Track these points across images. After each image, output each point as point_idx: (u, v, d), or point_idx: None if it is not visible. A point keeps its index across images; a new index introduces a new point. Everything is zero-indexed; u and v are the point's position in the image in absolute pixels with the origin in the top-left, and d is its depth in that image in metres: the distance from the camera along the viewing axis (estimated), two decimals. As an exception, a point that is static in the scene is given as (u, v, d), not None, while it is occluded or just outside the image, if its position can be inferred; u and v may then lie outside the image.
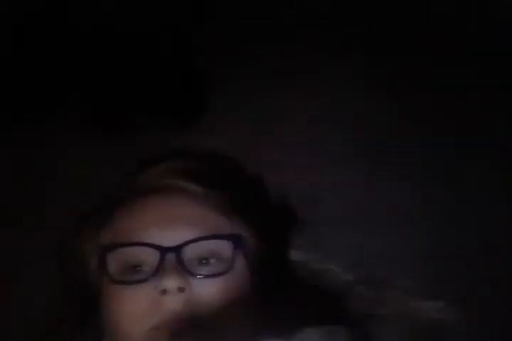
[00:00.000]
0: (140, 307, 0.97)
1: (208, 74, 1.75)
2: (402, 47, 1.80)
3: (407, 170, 1.73)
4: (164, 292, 0.97)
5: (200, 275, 1.00)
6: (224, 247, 1.03)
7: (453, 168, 1.73)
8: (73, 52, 1.74)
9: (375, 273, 1.29)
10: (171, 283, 0.97)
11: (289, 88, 1.80)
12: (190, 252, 1.01)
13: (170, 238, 1.01)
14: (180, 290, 0.97)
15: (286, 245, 1.15)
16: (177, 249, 1.00)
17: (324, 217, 1.55)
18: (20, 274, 1.64)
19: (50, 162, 1.74)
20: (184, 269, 0.99)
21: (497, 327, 1.51)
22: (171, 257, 0.99)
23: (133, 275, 1.01)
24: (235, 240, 1.03)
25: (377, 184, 1.70)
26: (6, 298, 1.63)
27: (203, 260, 1.01)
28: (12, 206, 1.71)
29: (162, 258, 0.99)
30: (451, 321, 1.12)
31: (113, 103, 1.77)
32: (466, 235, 1.66)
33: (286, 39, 1.81)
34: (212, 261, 1.02)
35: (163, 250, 1.00)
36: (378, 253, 1.57)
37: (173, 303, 0.97)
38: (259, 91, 1.78)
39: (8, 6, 1.72)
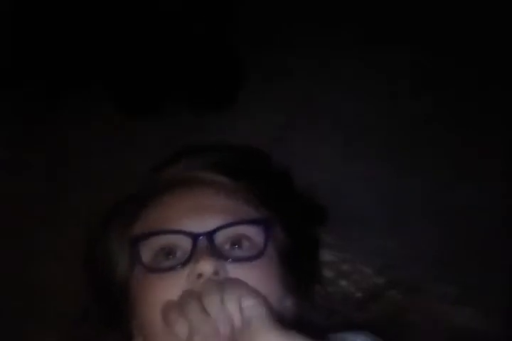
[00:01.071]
0: (175, 294, 0.96)
1: (241, 61, 1.74)
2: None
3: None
4: (200, 276, 0.97)
5: (233, 258, 1.00)
6: (255, 232, 1.03)
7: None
8: (104, 35, 1.72)
9: (407, 276, 1.28)
10: (206, 267, 0.96)
11: (325, 78, 1.80)
12: (222, 237, 1.01)
13: (202, 225, 1.01)
14: (215, 273, 0.97)
15: (314, 238, 1.16)
16: (209, 235, 1.00)
17: (356, 216, 1.55)
18: (39, 273, 1.63)
19: (75, 149, 1.72)
20: (217, 254, 0.98)
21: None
22: (203, 243, 0.99)
23: (167, 262, 1.01)
24: (266, 224, 1.04)
25: (410, 184, 1.69)
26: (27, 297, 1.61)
27: (235, 245, 1.02)
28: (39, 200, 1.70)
29: (195, 244, 0.99)
30: (486, 328, 1.12)
31: (145, 85, 1.75)
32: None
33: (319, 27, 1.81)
34: (244, 245, 1.02)
35: (195, 236, 1.00)
36: (411, 255, 1.55)
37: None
38: (291, 82, 1.78)
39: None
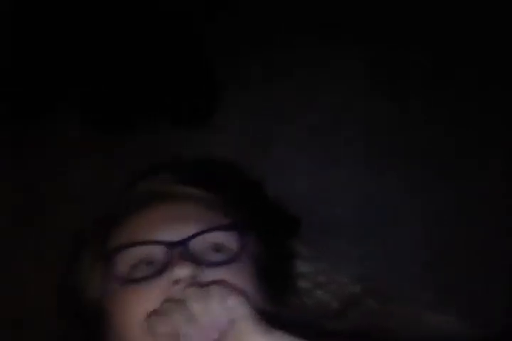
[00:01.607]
0: (156, 304, 0.96)
1: (217, 74, 1.74)
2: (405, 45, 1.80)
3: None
4: (177, 282, 0.97)
5: (209, 263, 1.01)
6: (230, 238, 1.05)
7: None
8: (74, 49, 1.72)
9: (383, 284, 1.29)
10: (183, 271, 0.98)
11: (293, 87, 1.80)
12: (196, 245, 1.03)
13: (176, 234, 1.03)
14: (193, 278, 0.97)
15: (288, 249, 1.17)
16: (183, 242, 1.01)
17: (330, 225, 1.55)
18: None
19: (49, 164, 1.72)
20: (193, 259, 0.99)
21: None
22: (178, 251, 1.00)
23: (143, 273, 1.01)
24: (240, 230, 1.05)
25: (386, 190, 1.70)
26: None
27: (210, 251, 1.03)
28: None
29: (170, 253, 1.00)
30: (461, 334, 1.12)
31: (116, 103, 1.74)
32: (479, 242, 1.66)
33: (293, 39, 1.81)
34: (219, 251, 1.03)
35: (170, 245, 1.01)
36: (387, 263, 1.56)
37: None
38: (263, 92, 1.78)
39: (8, 6, 1.71)
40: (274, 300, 1.07)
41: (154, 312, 0.93)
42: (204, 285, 0.93)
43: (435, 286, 1.49)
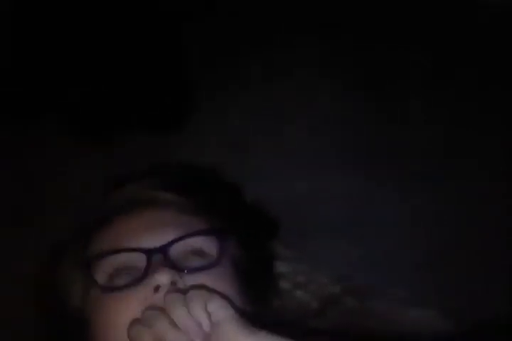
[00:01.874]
0: (137, 312, 0.96)
1: (195, 79, 1.73)
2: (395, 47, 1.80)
3: (399, 177, 1.72)
4: (157, 288, 0.97)
5: (189, 269, 1.01)
6: (209, 243, 1.05)
7: (444, 176, 1.73)
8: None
9: (362, 283, 1.29)
10: (163, 278, 0.97)
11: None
12: (176, 251, 1.02)
13: (155, 241, 1.03)
14: (173, 284, 0.97)
15: (268, 251, 1.17)
16: (163, 248, 1.01)
17: (310, 226, 1.55)
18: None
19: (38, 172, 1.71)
20: (172, 265, 0.99)
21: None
22: (158, 257, 1.00)
23: (123, 281, 1.01)
24: (219, 235, 1.05)
25: (367, 192, 1.69)
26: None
27: (190, 257, 1.03)
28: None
29: (149, 259, 1.00)
30: (442, 332, 1.12)
31: (95, 111, 1.73)
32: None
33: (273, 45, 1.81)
34: (199, 256, 1.03)
35: (149, 251, 1.01)
36: (367, 263, 1.56)
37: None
38: (243, 97, 1.77)
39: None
40: (256, 302, 1.07)
41: (136, 321, 0.92)
42: (185, 291, 0.93)
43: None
